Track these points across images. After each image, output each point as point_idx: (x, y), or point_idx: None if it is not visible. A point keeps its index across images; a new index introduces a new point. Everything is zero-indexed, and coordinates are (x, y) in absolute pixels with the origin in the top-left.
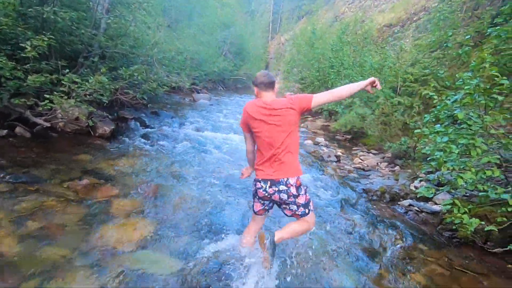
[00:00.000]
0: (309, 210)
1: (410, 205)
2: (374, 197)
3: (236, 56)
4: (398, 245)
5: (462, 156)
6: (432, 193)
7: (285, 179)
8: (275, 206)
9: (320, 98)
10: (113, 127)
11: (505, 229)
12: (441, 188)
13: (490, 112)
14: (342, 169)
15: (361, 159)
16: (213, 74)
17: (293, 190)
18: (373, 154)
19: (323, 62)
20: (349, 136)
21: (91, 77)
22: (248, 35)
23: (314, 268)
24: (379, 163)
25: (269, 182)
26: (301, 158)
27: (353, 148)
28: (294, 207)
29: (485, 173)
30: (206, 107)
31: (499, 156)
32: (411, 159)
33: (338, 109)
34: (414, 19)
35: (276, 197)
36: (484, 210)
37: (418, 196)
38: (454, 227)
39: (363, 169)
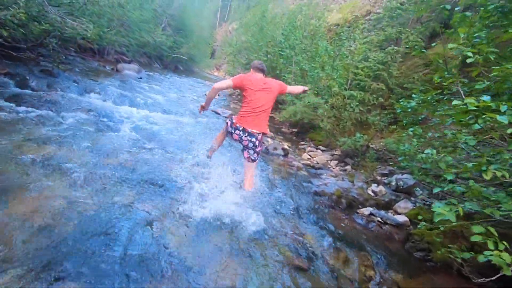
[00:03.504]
0: (257, 158)
1: (371, 214)
2: (329, 202)
3: (177, 32)
4: (368, 276)
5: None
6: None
7: (258, 135)
8: None
9: (291, 89)
10: None
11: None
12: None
13: None
14: (290, 166)
15: (309, 155)
16: (148, 47)
17: (257, 143)
18: (322, 150)
19: (272, 46)
20: (295, 130)
21: None
22: (193, 12)
23: None
24: (329, 161)
25: (247, 133)
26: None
27: (300, 143)
28: (252, 153)
29: None
30: (132, 80)
31: None
32: (363, 159)
33: (287, 98)
34: (360, 21)
35: (245, 142)
36: (455, 226)
37: (378, 203)
38: (424, 245)
39: (313, 167)
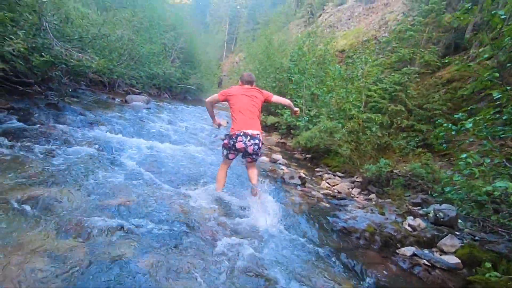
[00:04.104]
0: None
1: (414, 255)
2: (362, 241)
3: (186, 64)
4: None
5: None
6: None
7: (258, 136)
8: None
9: (277, 99)
10: None
11: None
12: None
13: None
14: (310, 196)
15: (328, 183)
16: (158, 79)
17: (260, 144)
18: (340, 177)
19: (281, 72)
20: (309, 155)
21: None
22: (201, 45)
23: None
24: (350, 189)
25: (249, 137)
26: (259, 178)
27: (316, 169)
28: (255, 156)
29: None
30: (140, 111)
31: None
32: (388, 186)
33: (300, 123)
34: (371, 43)
35: (250, 149)
36: None
37: (418, 240)
38: None
39: (335, 197)
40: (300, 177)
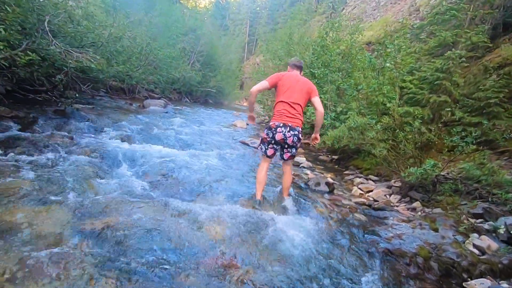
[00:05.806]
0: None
1: None
2: (413, 269)
3: (205, 67)
4: None
5: None
6: None
7: (298, 127)
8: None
9: (317, 101)
10: None
11: None
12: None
13: None
14: (341, 206)
15: (361, 189)
16: (178, 83)
17: (300, 136)
18: (373, 181)
19: (302, 68)
20: (336, 157)
21: None
22: (221, 48)
23: None
24: (388, 196)
25: (288, 127)
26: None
27: (345, 173)
28: (294, 150)
29: None
30: (156, 115)
31: None
32: (435, 192)
33: (325, 121)
34: (404, 29)
35: (290, 140)
36: None
37: (492, 268)
38: None
39: (370, 206)
40: (327, 183)
